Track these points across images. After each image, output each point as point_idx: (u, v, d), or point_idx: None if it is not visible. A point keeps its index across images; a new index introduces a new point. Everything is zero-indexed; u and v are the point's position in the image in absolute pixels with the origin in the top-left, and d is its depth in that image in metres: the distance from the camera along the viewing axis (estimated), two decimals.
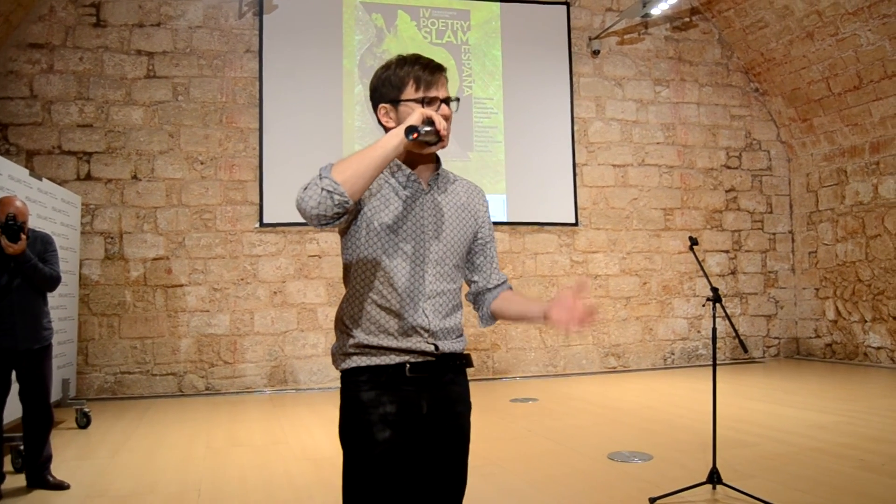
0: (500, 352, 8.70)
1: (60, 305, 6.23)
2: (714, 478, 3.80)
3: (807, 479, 4.04)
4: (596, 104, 9.47)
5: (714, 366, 3.99)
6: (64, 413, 6.41)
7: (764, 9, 9.07)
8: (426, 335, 1.83)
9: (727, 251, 9.83)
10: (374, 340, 1.81)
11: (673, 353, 9.49)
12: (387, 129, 1.86)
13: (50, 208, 6.04)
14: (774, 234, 10.12)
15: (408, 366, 1.82)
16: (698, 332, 9.58)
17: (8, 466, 4.51)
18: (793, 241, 10.17)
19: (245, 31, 8.29)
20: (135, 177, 7.85)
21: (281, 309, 8.11)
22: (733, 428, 5.44)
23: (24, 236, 3.94)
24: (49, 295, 4.40)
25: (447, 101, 1.86)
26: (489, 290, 2.04)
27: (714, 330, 4.02)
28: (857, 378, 8.05)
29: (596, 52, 9.45)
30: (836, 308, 9.40)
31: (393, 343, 1.81)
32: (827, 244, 9.58)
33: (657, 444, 5.03)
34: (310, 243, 8.21)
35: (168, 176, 7.94)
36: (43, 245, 4.26)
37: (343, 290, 1.95)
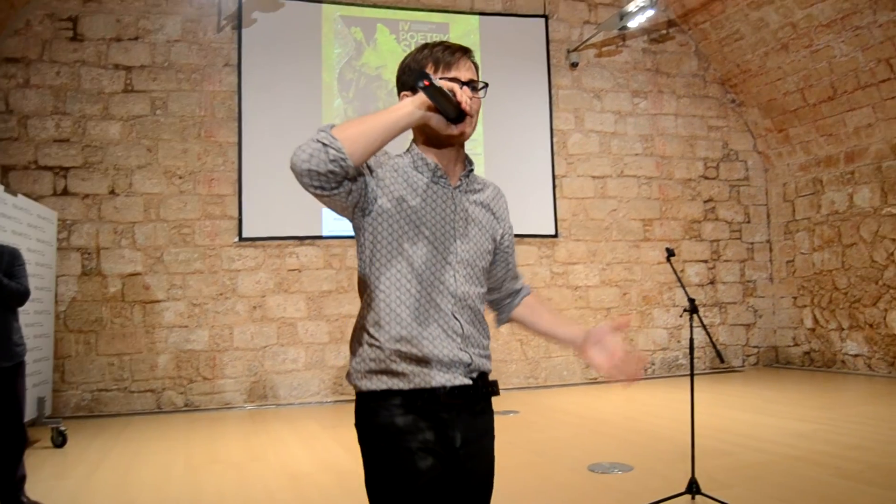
0: None
1: (36, 322, 6.16)
2: (693, 488, 3.81)
3: (786, 488, 4.07)
4: (575, 116, 9.53)
5: (692, 376, 4.01)
6: (39, 432, 6.31)
7: (739, 21, 9.18)
8: (459, 340, 1.68)
9: (706, 261, 9.90)
10: (405, 348, 1.63)
11: (653, 364, 9.53)
12: None
13: (25, 224, 5.98)
14: (752, 243, 10.21)
15: (444, 391, 1.65)
16: (678, 341, 9.63)
17: None
18: (770, 250, 10.26)
19: (224, 44, 8.28)
20: (112, 192, 7.79)
21: (261, 324, 8.07)
22: (713, 437, 5.46)
23: None
24: (23, 312, 4.35)
25: (471, 83, 1.72)
26: (511, 295, 1.96)
27: (691, 340, 4.05)
28: (835, 386, 8.12)
29: (574, 65, 9.52)
30: (814, 316, 9.49)
31: (427, 349, 1.63)
32: (804, 253, 9.68)
33: (638, 454, 5.04)
34: (289, 257, 8.17)
35: (146, 191, 7.88)
36: (10, 259, 4.20)
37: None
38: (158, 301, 7.79)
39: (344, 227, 8.32)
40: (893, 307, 8.37)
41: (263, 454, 5.52)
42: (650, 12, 8.44)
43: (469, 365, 1.69)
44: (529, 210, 9.03)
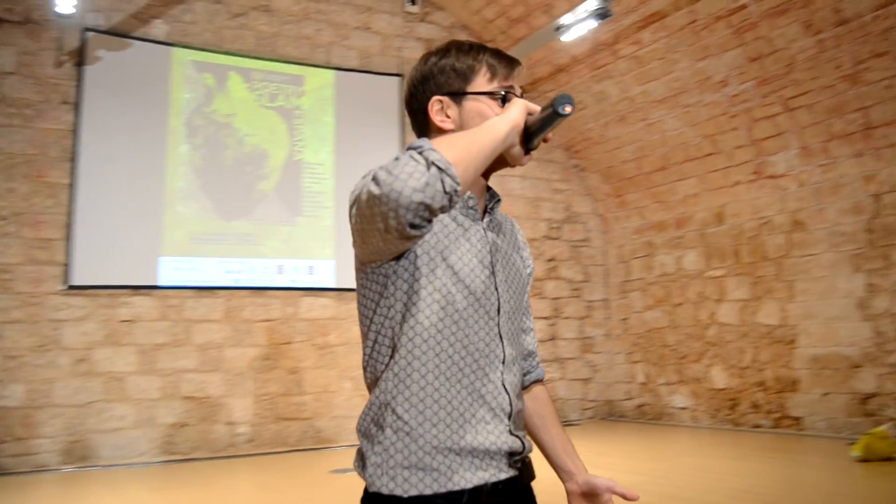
0: (322, 420, 8.50)
1: None
2: None
3: None
4: None
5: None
6: None
7: (583, 92, 9.77)
8: (507, 421, 1.38)
9: (548, 318, 10.27)
10: (444, 434, 1.30)
11: None
12: (440, 131, 1.44)
13: None
14: (591, 301, 10.70)
15: (486, 489, 1.32)
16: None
17: None
18: (607, 308, 10.80)
19: (63, 81, 7.84)
20: None
21: (85, 378, 7.51)
22: (546, 491, 5.56)
23: None
24: None
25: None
26: (523, 359, 1.61)
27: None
28: (663, 438, 8.56)
29: None
30: (646, 371, 10.03)
31: (469, 437, 1.31)
32: (637, 311, 10.25)
33: None
34: (122, 307, 7.71)
35: None
36: None
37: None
38: None
39: (184, 277, 7.99)
40: (715, 363, 8.99)
41: None
42: None
43: (518, 453, 1.40)
44: None
